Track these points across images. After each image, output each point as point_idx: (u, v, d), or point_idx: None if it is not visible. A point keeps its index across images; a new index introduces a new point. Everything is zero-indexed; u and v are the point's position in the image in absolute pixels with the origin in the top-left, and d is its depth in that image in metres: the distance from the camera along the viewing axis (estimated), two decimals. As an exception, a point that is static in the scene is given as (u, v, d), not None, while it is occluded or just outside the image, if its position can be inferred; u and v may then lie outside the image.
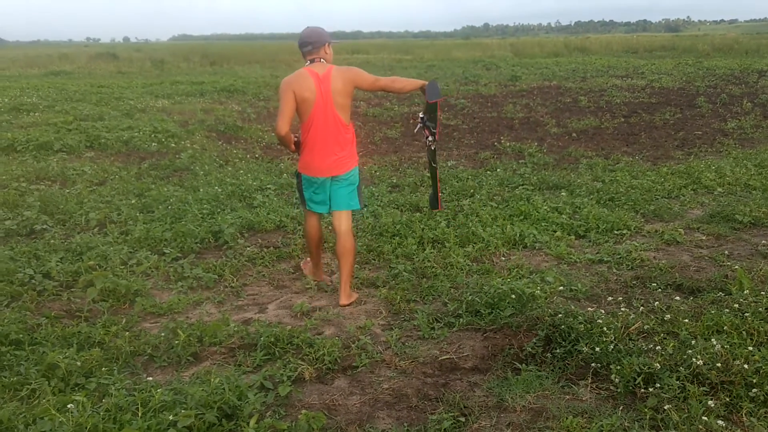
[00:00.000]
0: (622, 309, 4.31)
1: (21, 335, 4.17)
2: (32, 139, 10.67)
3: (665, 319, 4.18)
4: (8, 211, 7.08)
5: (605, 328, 3.91)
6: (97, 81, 23.55)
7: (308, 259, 5.45)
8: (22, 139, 10.67)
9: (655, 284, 4.98)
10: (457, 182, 8.31)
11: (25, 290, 5.01)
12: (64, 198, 7.50)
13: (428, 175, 5.47)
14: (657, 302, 4.52)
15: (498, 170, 9.12)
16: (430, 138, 4.93)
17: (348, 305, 4.86)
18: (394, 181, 8.68)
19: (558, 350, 3.88)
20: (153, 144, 11.08)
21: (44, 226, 6.63)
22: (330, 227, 5.61)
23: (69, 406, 3.22)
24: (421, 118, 4.91)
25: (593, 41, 49.10)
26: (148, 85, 21.51)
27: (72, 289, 5.10)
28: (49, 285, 5.10)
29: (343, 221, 4.88)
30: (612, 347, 3.76)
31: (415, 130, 5.24)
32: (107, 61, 37.67)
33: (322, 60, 4.64)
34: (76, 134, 11.32)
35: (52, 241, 6.13)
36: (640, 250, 5.80)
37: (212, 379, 3.50)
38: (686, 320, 4.09)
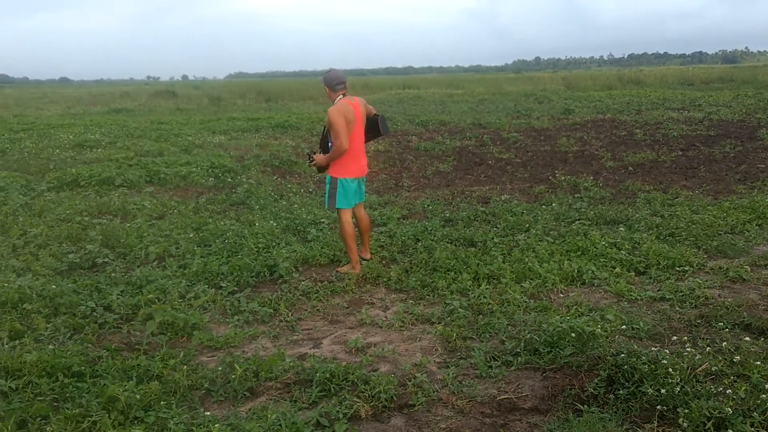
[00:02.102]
0: (688, 349, 4.15)
1: (83, 367, 4.24)
2: (95, 174, 11.03)
3: (734, 360, 4.00)
4: (72, 244, 7.29)
5: (670, 369, 3.77)
6: (156, 118, 24.29)
7: (344, 267, 6.50)
8: (85, 174, 11.03)
9: (721, 323, 4.79)
10: (512, 216, 8.22)
11: (87, 323, 5.12)
12: (124, 232, 7.69)
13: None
14: (725, 342, 4.34)
15: (553, 204, 9.00)
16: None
17: (370, 258, 6.59)
18: (447, 215, 8.64)
19: (621, 391, 3.75)
20: (210, 179, 11.33)
21: (106, 260, 6.80)
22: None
23: (129, 439, 3.25)
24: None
25: (647, 74, 48.56)
26: (206, 121, 22.06)
27: (132, 322, 5.20)
28: (109, 318, 5.21)
29: (362, 208, 6.61)
30: (678, 389, 3.62)
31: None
32: (166, 98, 38.90)
33: (346, 93, 6.16)
34: (136, 169, 11.65)
35: (113, 274, 6.28)
36: (704, 288, 5.61)
37: (269, 415, 3.51)
38: (758, 362, 3.92)
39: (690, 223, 7.60)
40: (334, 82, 6.11)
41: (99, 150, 14.74)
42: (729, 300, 5.30)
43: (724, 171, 11.51)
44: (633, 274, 6.11)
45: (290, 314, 5.43)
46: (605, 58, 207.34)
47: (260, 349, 4.74)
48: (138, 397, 3.81)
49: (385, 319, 5.30)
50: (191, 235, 7.59)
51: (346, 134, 5.98)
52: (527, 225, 7.80)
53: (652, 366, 3.83)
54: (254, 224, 8.06)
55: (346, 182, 6.24)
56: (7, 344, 4.63)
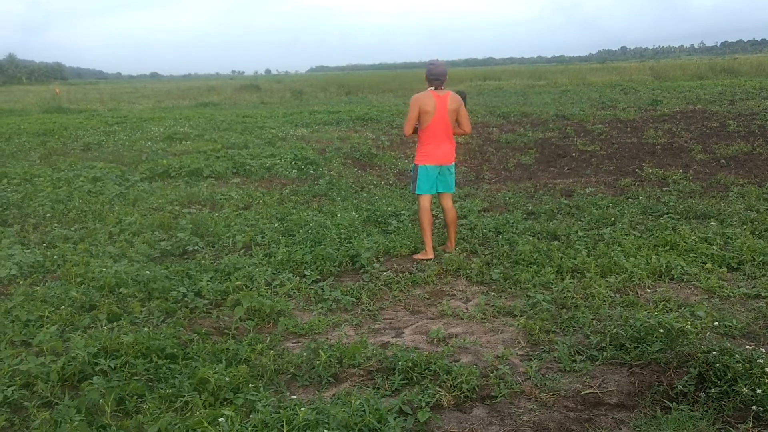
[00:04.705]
0: (786, 349, 3.97)
1: (175, 350, 4.42)
2: (185, 165, 11.44)
3: (837, 361, 3.80)
4: (164, 232, 7.60)
5: (767, 369, 3.62)
6: (241, 111, 24.95)
7: (419, 254, 6.68)
8: (175, 165, 11.47)
9: (822, 323, 4.56)
10: (597, 210, 8.05)
11: (178, 307, 5.34)
12: (213, 221, 7.95)
13: None
14: (826, 343, 4.13)
15: (640, 198, 8.75)
16: None
17: (452, 251, 6.72)
18: (530, 208, 8.53)
19: (713, 390, 3.63)
20: (293, 171, 11.57)
21: (195, 247, 7.06)
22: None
23: (220, 420, 3.38)
24: None
25: (742, 62, 46.35)
26: (288, 114, 22.50)
27: (221, 308, 5.39)
28: (200, 303, 5.41)
29: (449, 199, 6.82)
30: (776, 390, 3.47)
31: None
32: (251, 92, 39.89)
33: (442, 87, 6.52)
34: (223, 161, 12.02)
35: (202, 261, 6.51)
36: (804, 286, 5.34)
37: (353, 401, 3.57)
38: None
39: (788, 218, 7.23)
40: (429, 76, 6.52)
41: (188, 142, 15.27)
42: (831, 299, 5.03)
43: (827, 164, 10.89)
44: (725, 270, 5.88)
45: (372, 303, 5.50)
46: (696, 46, 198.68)
47: (343, 336, 4.82)
48: (227, 379, 3.94)
49: (466, 310, 5.30)
50: (276, 225, 7.78)
51: (412, 121, 6.49)
52: (613, 218, 7.61)
53: (747, 365, 3.68)
54: (336, 215, 8.18)
55: (424, 168, 6.57)
56: (105, 326, 4.88)
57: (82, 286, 5.71)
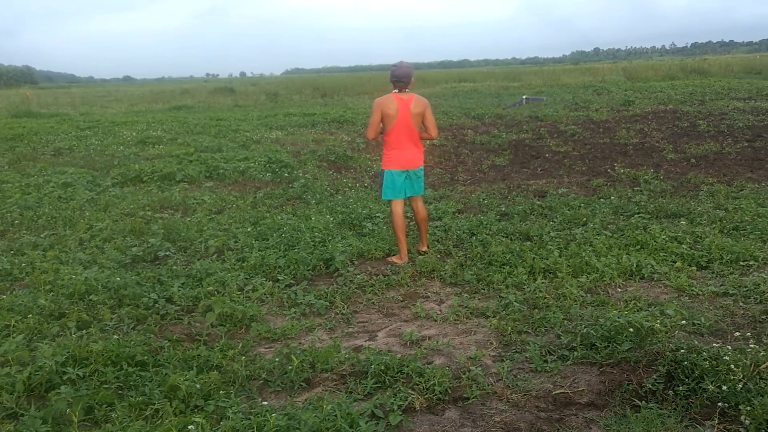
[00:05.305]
0: (751, 345, 4.02)
1: (146, 357, 4.38)
2: (157, 170, 11.34)
3: (801, 358, 3.87)
4: (135, 238, 7.52)
5: (732, 366, 3.67)
6: (215, 114, 24.78)
7: (394, 257, 6.70)
8: (147, 170, 11.36)
9: (788, 320, 4.63)
10: (569, 210, 8.11)
11: (149, 314, 5.28)
12: (185, 226, 7.89)
13: None
14: (791, 339, 4.20)
15: (612, 198, 8.83)
16: None
17: (426, 252, 6.74)
18: (503, 209, 8.58)
19: (680, 387, 3.67)
20: (267, 174, 11.51)
21: (167, 253, 6.99)
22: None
23: (189, 427, 3.35)
24: None
25: (712, 63, 47.09)
26: (263, 117, 22.40)
27: (192, 314, 5.34)
28: (171, 309, 5.36)
29: (419, 201, 6.80)
30: (741, 386, 3.52)
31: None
32: (225, 95, 39.63)
33: (407, 90, 6.38)
34: (196, 165, 11.93)
35: (174, 267, 6.45)
36: (770, 283, 5.42)
37: (325, 406, 3.55)
38: (826, 360, 3.77)
39: (756, 217, 7.35)
40: (392, 78, 6.43)
41: (160, 146, 15.13)
42: (796, 296, 5.11)
43: (793, 162, 11.08)
44: (694, 268, 5.95)
45: (346, 307, 5.49)
46: (667, 47, 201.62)
47: (316, 340, 4.81)
48: (198, 386, 3.91)
49: (439, 312, 5.31)
50: (249, 229, 7.73)
51: (374, 126, 6.45)
52: (585, 219, 7.68)
53: (714, 362, 3.73)
54: (311, 218, 8.15)
55: (391, 174, 6.52)
56: (74, 334, 4.81)
57: (51, 294, 5.62)
